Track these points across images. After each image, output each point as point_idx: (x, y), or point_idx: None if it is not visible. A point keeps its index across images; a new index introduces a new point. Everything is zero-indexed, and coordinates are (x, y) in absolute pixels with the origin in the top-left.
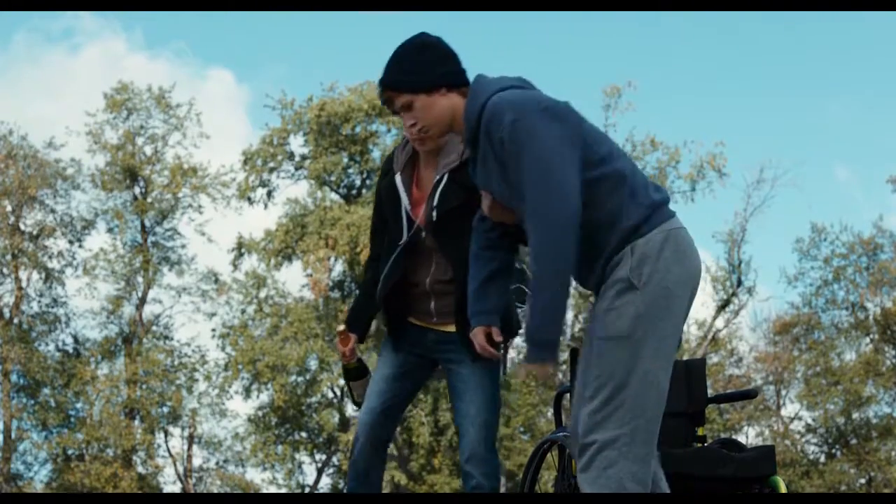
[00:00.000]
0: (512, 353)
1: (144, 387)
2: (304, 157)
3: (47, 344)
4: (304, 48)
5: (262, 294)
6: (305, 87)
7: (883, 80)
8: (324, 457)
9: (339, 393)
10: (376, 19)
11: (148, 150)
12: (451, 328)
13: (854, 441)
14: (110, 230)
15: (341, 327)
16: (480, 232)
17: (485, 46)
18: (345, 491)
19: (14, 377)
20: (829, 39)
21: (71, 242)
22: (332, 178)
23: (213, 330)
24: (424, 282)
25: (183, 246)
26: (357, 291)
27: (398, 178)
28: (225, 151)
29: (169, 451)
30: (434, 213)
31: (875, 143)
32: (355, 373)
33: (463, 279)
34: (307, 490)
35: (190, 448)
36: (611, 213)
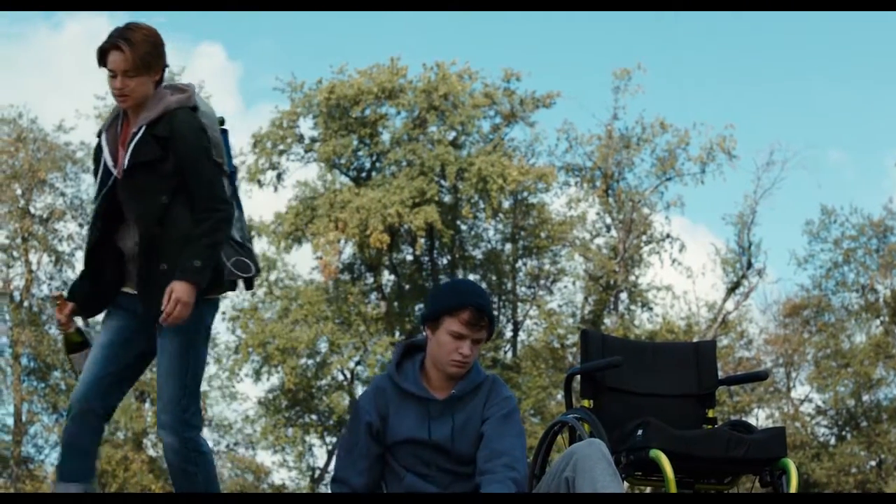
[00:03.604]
0: (522, 336)
1: (155, 369)
2: (313, 140)
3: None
4: (296, 23)
5: (273, 277)
6: (299, 64)
7: (879, 65)
8: (334, 439)
9: (349, 375)
10: None
11: None
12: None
13: (864, 423)
14: None
15: (57, 293)
16: None
17: (496, 30)
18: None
19: (24, 360)
20: (838, 21)
21: (81, 225)
22: (342, 161)
23: (224, 313)
24: (130, 246)
25: None
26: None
27: (102, 137)
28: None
29: None
30: (126, 163)
31: (871, 127)
32: (76, 345)
33: (148, 242)
34: (317, 472)
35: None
36: None
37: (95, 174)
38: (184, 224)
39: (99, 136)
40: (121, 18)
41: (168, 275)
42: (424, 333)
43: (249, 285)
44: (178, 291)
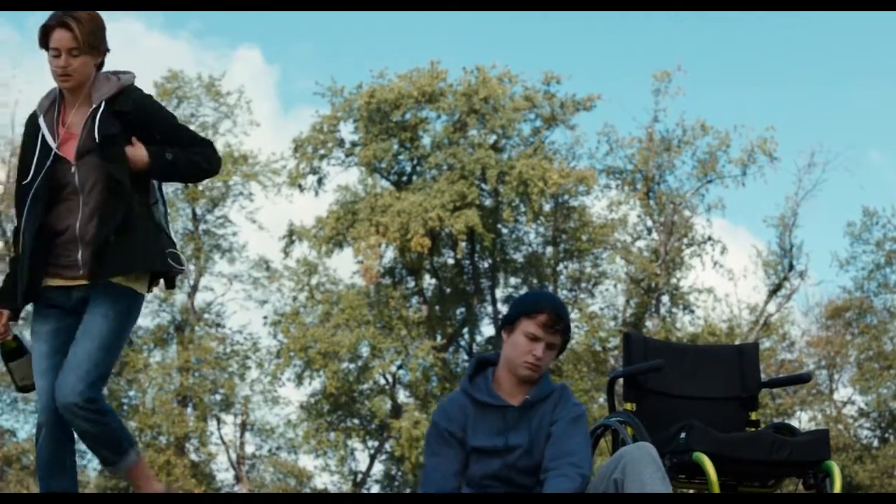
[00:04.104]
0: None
1: (197, 374)
2: (354, 144)
3: None
4: (333, 27)
5: (314, 281)
6: (336, 68)
7: None
8: (376, 443)
9: (390, 380)
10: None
11: None
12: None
13: None
14: None
15: None
16: None
17: (536, 33)
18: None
19: None
20: (878, 22)
21: None
22: (383, 165)
23: (265, 317)
24: (74, 226)
25: (234, 233)
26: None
27: (41, 120)
28: (253, 133)
29: (222, 438)
30: (97, 136)
31: None
32: (14, 353)
33: (111, 215)
34: (360, 477)
35: (242, 435)
36: None
37: (25, 157)
38: (134, 201)
39: (34, 119)
40: (157, 20)
41: (113, 248)
42: (493, 348)
43: (171, 283)
44: (135, 152)
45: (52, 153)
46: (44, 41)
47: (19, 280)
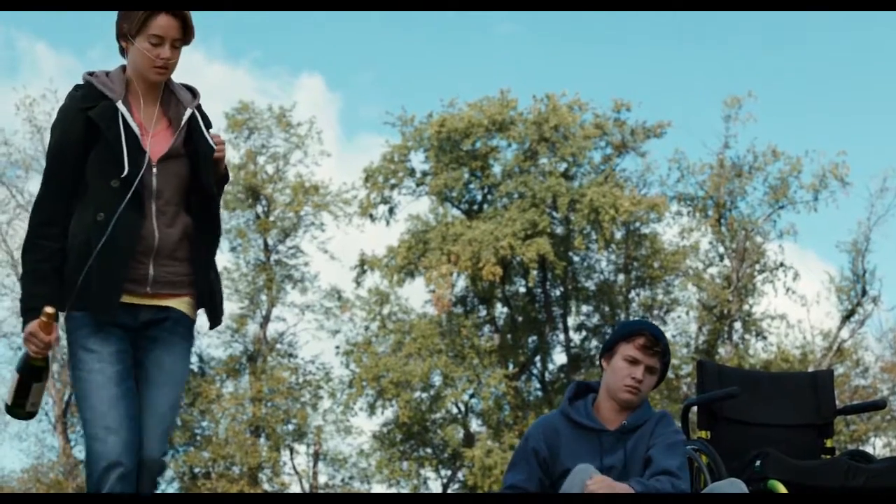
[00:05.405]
0: None
1: (269, 404)
2: (425, 174)
3: None
4: (395, 54)
5: (386, 310)
6: (400, 97)
7: None
8: (449, 472)
9: (463, 409)
10: (483, 20)
11: (270, 168)
12: (168, 301)
13: None
14: (233, 249)
15: (50, 310)
16: None
17: (605, 60)
18: None
19: None
20: None
21: None
22: (454, 194)
23: (337, 347)
24: (151, 237)
25: (306, 263)
26: (41, 265)
27: (121, 105)
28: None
29: (294, 468)
30: (212, 143)
31: None
32: (42, 373)
33: (206, 242)
34: None
35: (315, 465)
36: None
37: (105, 144)
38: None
39: (108, 100)
40: (217, 51)
41: (217, 282)
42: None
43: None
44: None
45: (147, 155)
46: (140, 25)
47: (93, 288)
